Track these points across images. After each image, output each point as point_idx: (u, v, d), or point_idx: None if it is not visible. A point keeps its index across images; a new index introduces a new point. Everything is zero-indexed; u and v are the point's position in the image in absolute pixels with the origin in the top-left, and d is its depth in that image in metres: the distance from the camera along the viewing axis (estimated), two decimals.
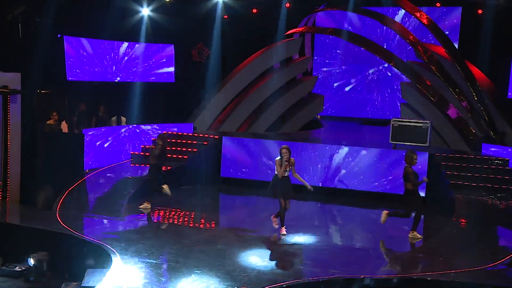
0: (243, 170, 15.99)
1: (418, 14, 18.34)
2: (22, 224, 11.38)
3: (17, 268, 10.42)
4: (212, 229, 11.97)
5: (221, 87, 19.26)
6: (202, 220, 12.45)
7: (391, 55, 18.46)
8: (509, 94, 15.64)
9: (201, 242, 10.48)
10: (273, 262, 9.79)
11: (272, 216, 11.25)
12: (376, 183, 14.92)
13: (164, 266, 9.11)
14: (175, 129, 17.40)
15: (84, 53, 16.61)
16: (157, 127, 17.25)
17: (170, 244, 10.25)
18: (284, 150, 10.82)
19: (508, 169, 13.82)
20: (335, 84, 23.91)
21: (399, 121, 15.55)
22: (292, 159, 10.90)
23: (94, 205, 12.73)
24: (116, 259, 9.07)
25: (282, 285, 8.29)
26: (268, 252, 10.29)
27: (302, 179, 11.18)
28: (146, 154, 16.19)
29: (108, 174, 14.88)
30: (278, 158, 10.90)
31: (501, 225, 11.64)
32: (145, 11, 17.68)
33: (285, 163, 10.75)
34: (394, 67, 18.23)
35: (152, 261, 9.20)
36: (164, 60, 18.54)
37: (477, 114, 16.49)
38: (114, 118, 17.84)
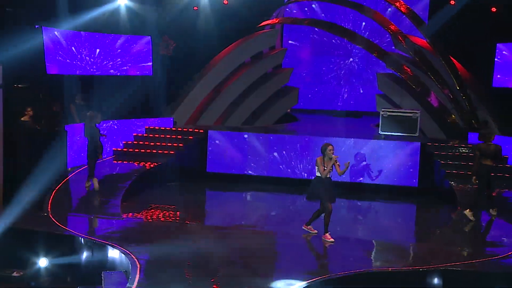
0: (231, 164, 15.63)
1: (397, 4, 18.38)
2: (16, 226, 10.69)
3: (15, 274, 9.84)
4: (216, 227, 11.64)
5: (198, 80, 18.83)
6: (203, 218, 12.12)
7: (374, 45, 18.43)
8: (494, 83, 15.84)
9: (210, 241, 10.14)
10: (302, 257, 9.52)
11: (304, 226, 10.35)
12: (367, 175, 14.83)
13: (186, 265, 8.72)
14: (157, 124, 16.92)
15: (61, 45, 15.86)
16: (138, 123, 16.70)
17: (182, 243, 9.86)
18: (330, 147, 9.83)
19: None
20: (306, 77, 23.76)
21: (389, 111, 15.51)
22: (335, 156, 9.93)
23: (87, 204, 12.15)
24: (133, 260, 8.62)
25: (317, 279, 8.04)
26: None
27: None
28: (130, 150, 15.67)
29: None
30: (320, 157, 9.90)
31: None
32: (122, 1, 17.04)
33: (334, 162, 9.81)
34: (378, 57, 18.18)
35: (169, 259, 8.81)
36: (141, 52, 17.93)
37: (459, 104, 16.65)
38: (90, 114, 17.12)
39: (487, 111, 16.65)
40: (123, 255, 8.94)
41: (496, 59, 16.01)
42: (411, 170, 14.39)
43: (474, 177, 11.13)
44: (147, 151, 15.53)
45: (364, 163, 14.69)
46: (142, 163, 15.00)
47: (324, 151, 9.80)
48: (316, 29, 22.48)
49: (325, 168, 9.75)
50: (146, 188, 14.03)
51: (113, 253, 9.29)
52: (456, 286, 8.26)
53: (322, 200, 9.94)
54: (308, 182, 14.79)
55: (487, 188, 11.24)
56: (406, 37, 17.97)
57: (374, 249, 10.04)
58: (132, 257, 8.74)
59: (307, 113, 22.63)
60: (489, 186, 11.31)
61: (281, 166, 15.27)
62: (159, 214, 12.18)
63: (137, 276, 8.05)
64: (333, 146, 9.86)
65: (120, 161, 15.29)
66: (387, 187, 14.57)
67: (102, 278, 8.55)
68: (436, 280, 8.30)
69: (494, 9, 18.09)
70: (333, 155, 9.74)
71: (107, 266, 9.26)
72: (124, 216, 11.41)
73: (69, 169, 14.37)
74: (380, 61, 21.90)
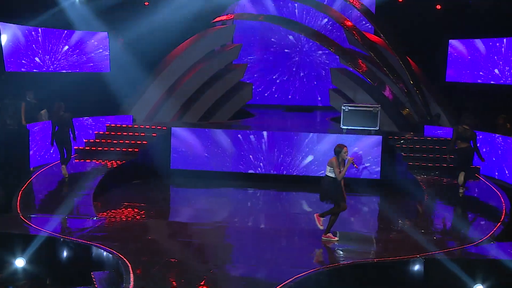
0: (194, 161, 15.62)
1: (352, 0, 18.83)
2: None
3: None
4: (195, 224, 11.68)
5: (156, 77, 18.70)
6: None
7: (331, 41, 18.82)
8: (448, 77, 16.49)
9: (197, 237, 10.20)
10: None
11: (323, 236, 9.93)
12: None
13: (177, 262, 8.74)
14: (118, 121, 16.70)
15: (18, 42, 15.40)
16: (96, 121, 16.41)
17: (165, 241, 9.87)
18: (345, 149, 9.65)
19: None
20: (257, 72, 23.94)
21: (350, 106, 15.90)
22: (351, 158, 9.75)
23: (58, 204, 11.85)
24: (123, 260, 8.55)
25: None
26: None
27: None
28: (92, 148, 15.41)
29: (57, 170, 13.98)
30: (334, 157, 9.68)
31: (468, 204, 12.26)
32: None
33: (350, 163, 9.64)
34: (334, 53, 18.57)
35: (159, 257, 8.81)
36: (98, 48, 17.63)
37: (413, 98, 17.28)
38: (43, 112, 16.73)
39: (439, 105, 17.36)
40: (110, 255, 8.85)
41: (450, 55, 16.67)
42: (374, 162, 14.82)
43: (448, 155, 12.29)
44: (111, 149, 15.30)
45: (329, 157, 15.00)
46: (106, 162, 14.80)
47: (339, 153, 9.67)
48: (267, 25, 22.70)
49: (341, 170, 9.61)
50: (112, 186, 13.87)
51: (98, 253, 9.18)
52: (439, 274, 8.62)
53: (337, 201, 9.83)
54: (273, 177, 15.31)
55: (465, 168, 12.12)
56: (362, 33, 18.45)
57: (351, 241, 10.32)
58: (120, 257, 8.67)
59: (259, 108, 22.84)
60: (466, 166, 12.15)
61: (245, 162, 15.39)
62: (133, 212, 12.07)
63: (131, 275, 8.01)
64: (347, 147, 9.75)
65: (83, 160, 15.00)
66: (350, 180, 14.92)
67: (93, 278, 8.48)
68: (420, 269, 8.65)
69: (439, 7, 18.91)
70: (349, 157, 9.71)
71: (93, 266, 9.11)
72: (99, 215, 11.27)
73: (32, 169, 14.02)
74: (331, 56, 22.50)
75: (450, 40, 16.34)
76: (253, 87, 22.61)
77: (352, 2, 18.62)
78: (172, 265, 8.56)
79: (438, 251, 9.04)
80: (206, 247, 9.71)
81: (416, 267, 8.72)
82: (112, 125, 16.29)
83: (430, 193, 12.51)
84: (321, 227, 9.92)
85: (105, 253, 8.98)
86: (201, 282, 7.88)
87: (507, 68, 14.87)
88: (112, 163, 14.71)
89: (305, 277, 8.10)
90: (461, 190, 12.33)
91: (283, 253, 9.37)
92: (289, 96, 24.00)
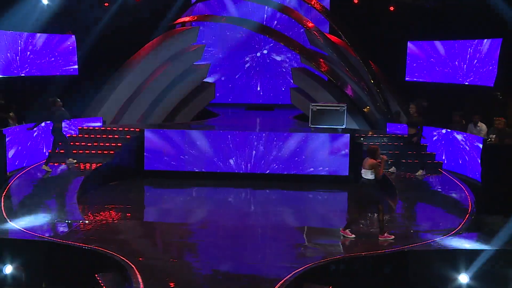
0: (168, 162, 15.96)
1: (312, 2, 19.51)
2: None
3: None
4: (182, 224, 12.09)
5: (122, 78, 18.86)
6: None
7: (294, 42, 19.45)
8: (407, 77, 17.41)
9: (187, 237, 10.64)
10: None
11: (380, 237, 10.16)
12: (301, 166, 15.81)
13: (179, 261, 9.17)
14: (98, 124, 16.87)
15: None
16: (76, 122, 16.47)
17: (157, 241, 10.26)
18: (379, 151, 10.09)
19: (422, 145, 15.39)
20: (218, 72, 24.33)
21: (318, 105, 16.58)
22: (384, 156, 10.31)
23: (42, 208, 11.96)
24: (125, 262, 8.90)
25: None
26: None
27: None
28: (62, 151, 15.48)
29: (38, 174, 14.10)
30: (370, 159, 10.01)
31: (436, 198, 13.14)
32: (45, 0, 16.72)
33: (385, 161, 10.23)
34: (299, 53, 19.20)
35: (158, 260, 9.22)
36: (66, 51, 17.63)
37: (374, 96, 18.14)
38: (12, 115, 16.67)
39: (399, 102, 18.28)
40: (111, 258, 9.17)
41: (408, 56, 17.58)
42: (343, 160, 15.56)
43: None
44: (86, 151, 15.47)
45: (300, 154, 15.69)
46: (82, 164, 14.97)
47: (375, 153, 10.00)
48: (227, 25, 23.13)
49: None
50: (91, 189, 14.08)
51: (96, 256, 9.43)
52: (419, 266, 9.34)
53: (380, 202, 10.22)
54: (245, 176, 15.78)
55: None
56: (323, 34, 19.15)
57: (327, 237, 10.97)
58: (122, 259, 9.01)
59: (221, 107, 23.27)
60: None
61: (218, 161, 15.84)
62: (118, 214, 12.36)
63: (139, 276, 8.38)
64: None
65: (57, 164, 15.10)
66: (319, 177, 15.65)
67: (99, 281, 8.78)
68: (403, 261, 9.35)
69: (392, 8, 19.87)
70: (382, 156, 10.16)
71: (91, 269, 9.36)
72: (87, 218, 11.51)
73: (8, 173, 14.04)
74: (291, 55, 23.15)
75: (408, 42, 17.25)
76: (215, 86, 23.01)
77: (313, 4, 19.29)
78: (174, 266, 8.98)
79: (416, 244, 9.81)
80: (199, 247, 10.18)
81: (399, 260, 9.41)
82: (84, 127, 16.40)
83: (399, 188, 13.33)
84: (392, 237, 10.10)
85: (106, 255, 9.26)
86: (205, 281, 8.37)
87: (463, 68, 15.90)
88: (88, 165, 14.89)
89: (302, 272, 8.67)
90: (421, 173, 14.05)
91: (272, 251, 9.90)
92: (250, 95, 24.53)
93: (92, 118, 17.24)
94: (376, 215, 10.47)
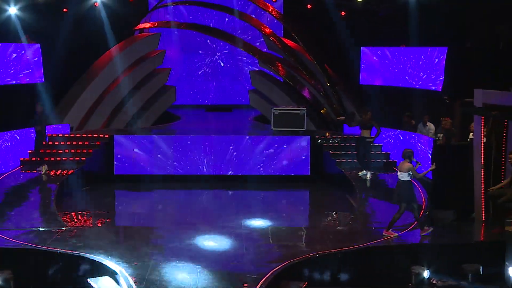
0: (137, 166, 16.59)
1: (270, 9, 20.41)
2: None
3: None
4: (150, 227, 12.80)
5: (86, 85, 19.28)
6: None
7: (252, 47, 20.30)
8: (361, 80, 18.52)
9: (167, 239, 11.39)
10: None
11: (385, 232, 11.13)
12: (266, 167, 16.73)
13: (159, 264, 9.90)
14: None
15: None
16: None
17: (140, 244, 10.97)
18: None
19: (375, 145, 16.53)
20: (177, 75, 24.89)
21: (279, 109, 17.53)
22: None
23: (24, 216, 12.40)
24: (115, 266, 9.57)
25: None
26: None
27: None
28: (38, 159, 15.91)
29: (11, 182, 14.52)
30: (406, 162, 10.97)
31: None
32: (12, 10, 17.04)
33: (419, 164, 11.09)
34: (257, 58, 20.06)
35: (145, 263, 9.92)
36: (32, 59, 17.92)
37: (329, 99, 19.21)
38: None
39: (353, 104, 19.42)
40: (100, 263, 9.81)
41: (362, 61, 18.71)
42: (304, 160, 16.58)
43: None
44: (58, 158, 15.93)
45: (264, 156, 16.62)
46: (53, 171, 15.43)
47: (411, 156, 11.04)
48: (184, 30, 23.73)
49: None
50: (66, 195, 14.60)
51: (85, 262, 10.02)
52: (382, 261, 10.35)
53: (411, 201, 11.11)
54: (213, 178, 16.57)
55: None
56: (280, 39, 20.09)
57: (294, 236, 11.90)
58: (112, 264, 9.70)
59: (181, 109, 23.84)
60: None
61: (185, 164, 16.60)
62: (98, 219, 12.99)
63: (130, 280, 9.10)
64: None
65: (29, 171, 15.52)
66: (282, 177, 16.62)
67: (91, 286, 9.43)
68: (366, 257, 10.36)
69: (343, 13, 21.02)
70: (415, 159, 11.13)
71: (80, 275, 9.97)
72: (68, 225, 12.05)
73: None
74: (249, 57, 23.94)
75: (362, 47, 18.37)
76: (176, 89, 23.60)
77: (270, 12, 20.19)
78: (162, 268, 9.72)
79: (378, 240, 10.86)
80: (179, 248, 10.87)
81: (362, 256, 10.41)
82: (54, 134, 16.82)
83: (358, 187, 14.41)
84: (396, 235, 11.05)
85: (94, 261, 9.89)
86: (194, 281, 9.16)
87: (414, 73, 17.13)
88: (59, 172, 15.37)
89: (280, 270, 9.57)
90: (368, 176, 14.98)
91: (248, 250, 10.75)
92: (210, 96, 25.23)
93: (60, 125, 17.63)
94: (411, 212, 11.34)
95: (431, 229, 11.20)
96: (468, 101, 13.08)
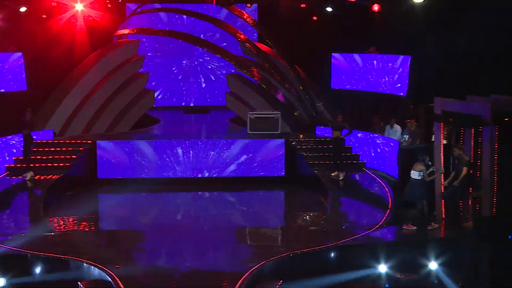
0: (119, 170, 17.33)
1: (245, 16, 21.22)
2: None
3: None
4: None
5: (67, 91, 19.89)
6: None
7: (228, 53, 21.11)
8: (332, 85, 19.49)
9: (153, 241, 12.18)
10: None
11: (405, 226, 12.15)
12: (243, 169, 17.60)
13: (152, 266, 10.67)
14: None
15: None
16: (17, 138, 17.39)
17: (127, 247, 11.74)
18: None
19: (346, 147, 17.48)
20: (155, 78, 25.53)
21: (255, 113, 18.39)
22: None
23: (13, 221, 13.09)
24: (105, 271, 10.26)
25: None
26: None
27: None
28: (23, 165, 16.49)
29: None
30: (421, 163, 12.09)
31: (361, 195, 15.24)
32: None
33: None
34: (233, 63, 20.87)
35: (133, 265, 10.69)
36: (15, 68, 18.50)
37: (303, 102, 20.13)
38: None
39: (326, 108, 20.35)
40: (88, 266, 10.47)
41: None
42: (279, 162, 17.48)
43: None
44: (43, 164, 16.56)
45: (241, 159, 17.48)
46: (37, 176, 16.06)
47: (426, 160, 12.18)
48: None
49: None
50: (53, 200, 15.23)
51: (74, 266, 10.61)
52: (352, 259, 11.22)
53: (423, 199, 12.16)
54: (192, 181, 17.35)
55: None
56: (255, 45, 20.93)
57: (266, 236, 12.77)
58: (102, 267, 10.38)
59: (160, 111, 24.56)
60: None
61: (166, 168, 17.40)
62: (82, 223, 13.73)
63: (120, 283, 9.83)
64: None
65: (15, 177, 16.14)
66: (260, 178, 17.49)
67: None
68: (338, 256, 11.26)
69: (315, 18, 21.94)
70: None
71: (72, 279, 10.56)
72: (58, 230, 12.79)
73: None
74: (220, 61, 24.71)
75: (332, 53, 19.32)
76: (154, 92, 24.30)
77: (245, 19, 21.01)
78: (150, 270, 10.49)
79: (348, 239, 11.77)
80: (161, 250, 11.70)
81: (335, 254, 11.27)
82: (38, 141, 17.42)
83: (331, 187, 15.34)
84: (415, 228, 12.06)
85: (83, 265, 10.49)
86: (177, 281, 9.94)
87: (381, 79, 18.16)
88: (43, 177, 15.99)
89: (257, 269, 10.41)
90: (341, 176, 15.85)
91: (226, 250, 11.61)
92: (187, 98, 25.98)
93: (43, 131, 18.23)
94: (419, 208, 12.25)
95: (414, 228, 12.08)
96: (431, 107, 14.05)
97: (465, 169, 12.02)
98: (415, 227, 12.16)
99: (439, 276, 10.93)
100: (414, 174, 12.16)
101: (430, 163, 12.35)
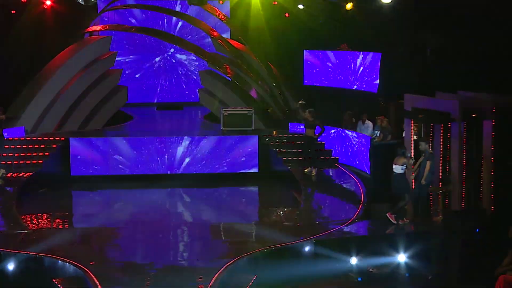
0: (93, 167, 17.29)
1: (217, 13, 21.30)
2: None
3: None
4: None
5: (38, 87, 19.72)
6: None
7: (201, 50, 21.17)
8: (305, 81, 19.70)
9: (126, 238, 12.23)
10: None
11: (389, 214, 12.35)
12: (217, 165, 17.70)
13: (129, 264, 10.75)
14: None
15: None
16: None
17: (102, 244, 11.78)
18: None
19: (319, 143, 17.69)
20: (128, 75, 25.48)
21: (228, 110, 18.49)
22: None
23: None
24: (80, 267, 10.30)
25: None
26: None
27: None
28: None
29: None
30: (402, 157, 12.17)
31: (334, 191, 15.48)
32: None
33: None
34: (206, 60, 20.93)
35: (108, 262, 10.74)
36: None
37: (276, 98, 20.31)
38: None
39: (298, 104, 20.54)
40: (64, 264, 10.49)
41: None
42: (252, 158, 17.63)
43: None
44: (15, 162, 16.43)
45: (215, 155, 17.59)
46: (9, 174, 15.95)
47: (406, 153, 12.31)
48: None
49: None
50: (26, 198, 15.15)
51: (49, 264, 10.61)
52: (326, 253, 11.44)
53: (408, 193, 12.26)
54: (167, 177, 17.38)
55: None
56: (228, 42, 21.02)
57: (248, 231, 12.94)
58: (76, 264, 10.40)
59: (133, 107, 24.44)
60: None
61: (141, 164, 17.42)
62: (55, 220, 13.73)
63: (96, 280, 9.87)
64: None
65: None
66: (234, 175, 17.62)
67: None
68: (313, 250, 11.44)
69: (287, 15, 22.14)
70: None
71: (43, 277, 10.46)
72: (31, 227, 12.75)
73: None
74: (193, 57, 24.76)
75: (304, 50, 19.53)
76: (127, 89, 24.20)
77: (218, 15, 21.10)
78: (126, 267, 10.56)
79: (321, 234, 11.98)
80: (137, 246, 11.79)
81: (310, 249, 11.45)
82: (10, 138, 17.27)
83: (304, 183, 15.55)
84: (407, 220, 12.33)
85: (57, 262, 10.49)
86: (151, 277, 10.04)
87: (352, 76, 18.44)
88: (16, 175, 15.89)
89: (232, 264, 10.54)
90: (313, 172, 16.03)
91: (201, 246, 11.74)
92: (160, 94, 25.96)
93: (15, 129, 18.07)
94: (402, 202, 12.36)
95: (407, 221, 12.35)
96: (401, 103, 14.35)
97: (428, 163, 12.24)
98: (407, 220, 12.35)
99: (410, 269, 11.22)
100: (397, 169, 12.28)
101: (409, 155, 12.54)
